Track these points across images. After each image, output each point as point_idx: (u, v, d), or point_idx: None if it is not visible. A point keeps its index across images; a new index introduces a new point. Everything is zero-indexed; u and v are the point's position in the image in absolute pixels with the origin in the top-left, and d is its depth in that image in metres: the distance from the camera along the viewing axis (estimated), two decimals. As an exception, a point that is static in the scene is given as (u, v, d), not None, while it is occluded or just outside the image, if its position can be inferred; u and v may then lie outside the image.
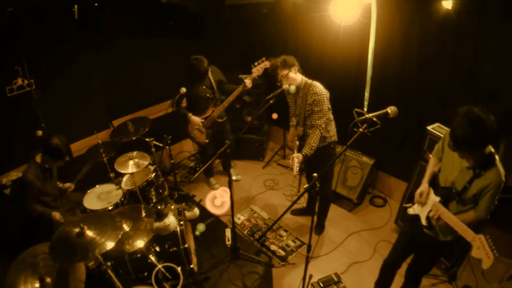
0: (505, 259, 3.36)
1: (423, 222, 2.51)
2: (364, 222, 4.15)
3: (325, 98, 3.25)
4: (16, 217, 3.30)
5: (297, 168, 3.18)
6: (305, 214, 4.24)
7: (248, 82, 4.00)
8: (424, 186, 2.52)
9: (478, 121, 1.99)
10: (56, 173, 3.35)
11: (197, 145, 4.66)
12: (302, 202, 4.34)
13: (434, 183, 2.53)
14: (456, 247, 3.16)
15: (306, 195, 4.26)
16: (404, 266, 2.91)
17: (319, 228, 3.99)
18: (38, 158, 3.13)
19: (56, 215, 3.16)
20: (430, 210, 2.42)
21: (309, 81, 3.32)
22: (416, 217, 2.59)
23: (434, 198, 2.44)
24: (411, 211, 2.66)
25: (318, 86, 3.28)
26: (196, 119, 4.22)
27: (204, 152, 4.57)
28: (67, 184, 3.53)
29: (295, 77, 3.30)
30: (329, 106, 3.33)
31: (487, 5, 2.94)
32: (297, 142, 3.51)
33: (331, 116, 3.42)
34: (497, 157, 2.17)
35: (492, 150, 2.16)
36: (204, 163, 4.49)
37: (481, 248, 2.07)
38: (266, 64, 3.89)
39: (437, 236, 2.47)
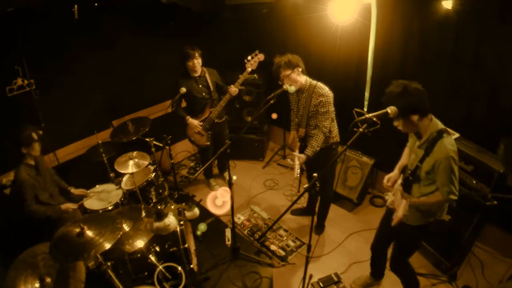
0: (505, 258, 3.36)
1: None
2: (364, 222, 4.14)
3: (330, 99, 3.24)
4: (16, 217, 3.30)
5: (298, 169, 3.16)
6: (305, 214, 4.25)
7: (232, 90, 3.93)
8: (394, 172, 2.71)
9: (402, 84, 2.24)
10: (44, 168, 3.35)
11: (198, 148, 4.61)
12: (302, 202, 4.35)
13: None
14: (456, 247, 3.17)
15: (306, 195, 4.26)
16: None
17: (319, 228, 3.99)
18: (29, 160, 3.14)
19: (67, 205, 3.28)
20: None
21: (314, 82, 3.30)
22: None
23: (398, 183, 2.63)
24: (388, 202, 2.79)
25: (324, 88, 3.26)
26: (194, 122, 4.14)
27: (205, 153, 4.55)
28: (78, 191, 3.57)
29: (297, 79, 3.26)
30: (333, 108, 3.33)
31: (487, 5, 2.94)
32: (298, 143, 3.50)
33: (334, 117, 3.42)
34: (448, 135, 2.27)
35: (442, 127, 2.29)
36: (204, 163, 4.47)
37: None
38: (260, 57, 3.82)
39: (407, 221, 2.57)
